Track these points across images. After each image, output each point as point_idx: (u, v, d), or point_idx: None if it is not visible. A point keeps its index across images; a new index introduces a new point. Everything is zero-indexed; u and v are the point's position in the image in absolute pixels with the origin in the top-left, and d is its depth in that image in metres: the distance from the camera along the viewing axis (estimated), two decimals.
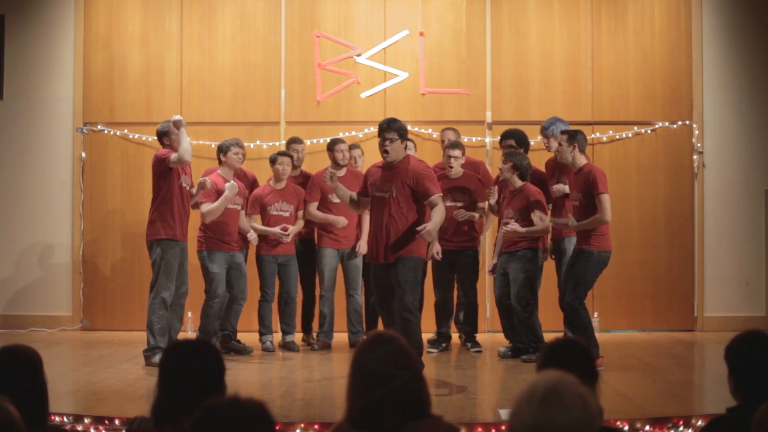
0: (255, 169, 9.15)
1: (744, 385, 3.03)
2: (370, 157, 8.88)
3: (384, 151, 6.60)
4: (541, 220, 7.60)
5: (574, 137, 7.21)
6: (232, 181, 7.83)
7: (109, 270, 9.94)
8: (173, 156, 7.34)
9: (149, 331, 7.41)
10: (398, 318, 6.44)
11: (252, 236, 8.13)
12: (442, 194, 6.71)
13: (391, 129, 6.57)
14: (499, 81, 9.90)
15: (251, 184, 8.55)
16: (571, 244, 7.52)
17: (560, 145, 7.26)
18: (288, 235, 8.29)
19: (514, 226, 7.56)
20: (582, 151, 7.25)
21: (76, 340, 9.21)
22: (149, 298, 7.43)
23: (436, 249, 7.04)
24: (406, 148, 6.76)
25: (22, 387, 2.91)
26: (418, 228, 6.39)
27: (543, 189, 7.86)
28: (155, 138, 9.75)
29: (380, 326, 7.53)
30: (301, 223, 8.46)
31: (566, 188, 7.62)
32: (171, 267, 7.38)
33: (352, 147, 8.76)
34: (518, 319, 7.69)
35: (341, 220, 8.32)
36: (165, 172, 7.38)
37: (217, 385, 2.80)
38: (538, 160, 8.48)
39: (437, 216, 6.49)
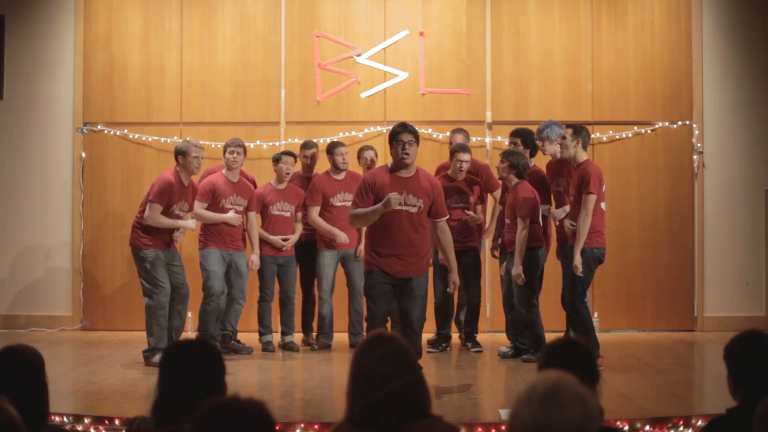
0: (255, 169, 9.16)
1: (744, 385, 3.03)
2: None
3: (405, 155, 6.08)
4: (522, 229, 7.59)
5: (579, 132, 7.23)
6: (233, 214, 7.91)
7: (109, 270, 9.94)
8: (149, 212, 7.37)
9: (148, 334, 7.43)
10: (409, 330, 6.13)
11: (254, 261, 8.14)
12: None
13: (408, 131, 6.12)
14: (499, 81, 9.90)
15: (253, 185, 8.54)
16: None
17: (564, 138, 7.27)
18: (286, 246, 8.31)
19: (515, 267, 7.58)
20: (584, 148, 7.26)
21: (76, 340, 9.21)
22: (145, 301, 7.47)
23: (455, 279, 6.55)
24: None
25: (23, 387, 2.91)
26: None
27: (543, 189, 7.86)
28: (155, 138, 9.84)
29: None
30: (299, 228, 8.45)
31: (565, 211, 7.63)
32: (157, 267, 7.43)
33: (365, 149, 8.64)
34: (520, 320, 7.69)
35: (343, 237, 8.27)
36: None
37: (217, 385, 2.80)
38: (543, 160, 8.47)
39: (450, 246, 6.29)
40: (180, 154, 7.55)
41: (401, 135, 6.10)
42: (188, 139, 7.88)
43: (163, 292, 7.40)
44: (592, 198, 7.01)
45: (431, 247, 8.02)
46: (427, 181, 6.21)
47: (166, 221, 7.47)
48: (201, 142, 9.56)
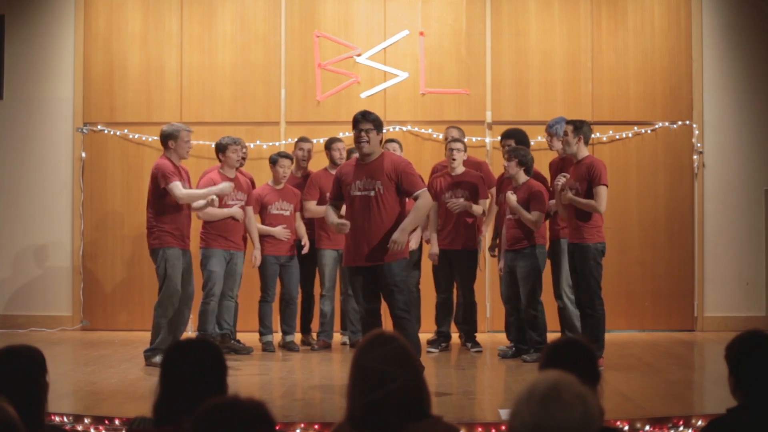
0: (255, 169, 9.15)
1: (744, 385, 3.03)
2: None
3: (362, 143, 6.20)
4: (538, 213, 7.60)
5: (580, 128, 7.23)
6: (238, 209, 7.91)
7: (109, 270, 9.94)
8: (177, 192, 7.29)
9: (154, 333, 7.40)
10: (393, 318, 6.21)
11: (256, 257, 8.16)
12: (426, 188, 6.41)
13: (366, 120, 6.22)
14: (499, 81, 9.90)
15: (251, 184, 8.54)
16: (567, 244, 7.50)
17: (566, 134, 7.27)
18: (288, 232, 8.32)
19: (511, 198, 7.61)
20: (586, 142, 7.27)
21: (76, 340, 9.21)
22: (157, 301, 7.42)
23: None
24: (382, 142, 6.38)
25: (22, 387, 2.91)
26: (390, 242, 6.11)
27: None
28: (155, 138, 9.79)
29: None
30: (303, 228, 8.46)
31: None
32: (175, 270, 7.36)
33: (389, 141, 8.59)
34: (526, 318, 7.65)
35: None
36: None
37: (218, 385, 2.80)
38: (539, 159, 8.48)
39: (414, 213, 6.19)
40: (170, 138, 7.45)
41: (359, 123, 6.26)
42: (173, 123, 7.80)
43: (176, 294, 7.37)
44: (605, 189, 7.05)
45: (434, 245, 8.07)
46: (390, 163, 6.24)
47: (198, 192, 7.46)
48: (201, 142, 9.61)
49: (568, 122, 7.38)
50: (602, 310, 7.10)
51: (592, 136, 9.53)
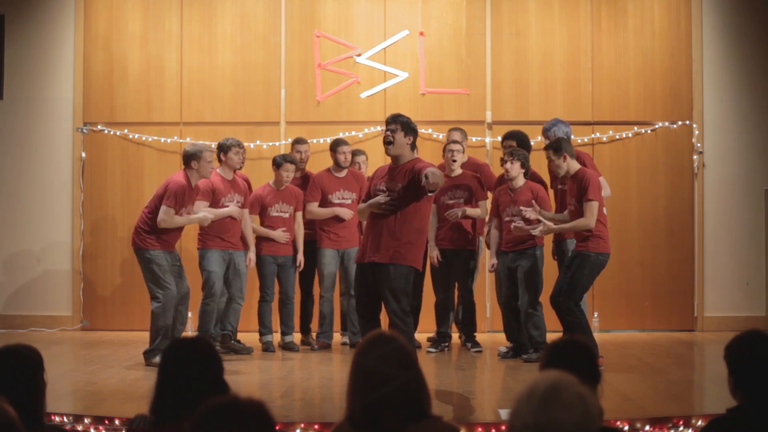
0: (255, 169, 9.15)
1: (744, 385, 3.03)
2: (371, 160, 8.88)
3: (386, 143, 6.14)
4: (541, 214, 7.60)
5: (559, 148, 7.13)
6: (236, 207, 7.93)
7: (109, 270, 9.94)
8: (163, 215, 7.30)
9: (153, 334, 7.39)
10: (389, 322, 6.13)
11: (251, 259, 8.17)
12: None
13: (395, 121, 6.14)
14: (499, 81, 9.90)
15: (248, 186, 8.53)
16: (573, 245, 7.48)
17: (550, 160, 7.20)
18: (287, 235, 8.33)
19: (548, 224, 7.31)
20: (572, 155, 7.19)
21: (76, 340, 9.21)
22: (152, 302, 7.41)
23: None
24: (413, 148, 6.24)
25: (20, 387, 2.91)
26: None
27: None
28: (155, 138, 9.84)
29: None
30: (301, 231, 8.45)
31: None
32: (164, 269, 7.38)
33: (356, 153, 8.72)
34: (525, 318, 7.65)
35: (346, 212, 8.30)
36: None
37: (215, 384, 2.80)
38: (539, 161, 8.48)
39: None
40: (193, 158, 7.44)
41: (387, 124, 6.18)
42: (196, 142, 7.82)
43: (169, 293, 7.37)
44: (594, 204, 6.94)
45: (432, 247, 8.06)
46: (416, 167, 6.06)
47: (180, 220, 7.45)
48: (201, 142, 9.59)
49: (546, 147, 7.31)
50: (580, 314, 7.03)
51: (592, 135, 9.62)
